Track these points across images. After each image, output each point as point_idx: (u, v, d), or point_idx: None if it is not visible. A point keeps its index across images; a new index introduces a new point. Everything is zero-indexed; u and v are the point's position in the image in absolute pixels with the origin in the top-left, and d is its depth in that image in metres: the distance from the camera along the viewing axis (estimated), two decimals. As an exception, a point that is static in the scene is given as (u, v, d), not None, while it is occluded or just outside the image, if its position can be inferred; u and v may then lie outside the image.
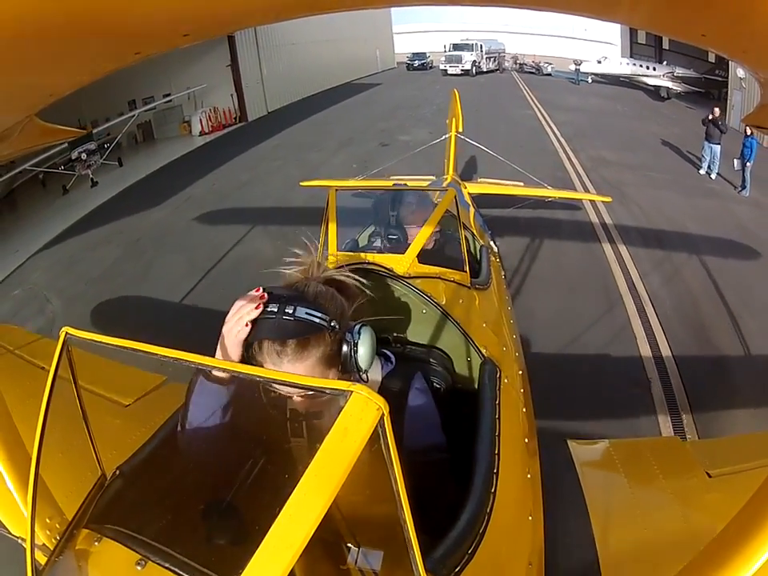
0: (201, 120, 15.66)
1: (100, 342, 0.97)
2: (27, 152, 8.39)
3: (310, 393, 1.03)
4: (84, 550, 1.04)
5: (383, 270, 1.81)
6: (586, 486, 1.77)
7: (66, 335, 1.00)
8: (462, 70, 28.31)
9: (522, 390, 1.85)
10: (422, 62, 32.02)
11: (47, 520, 1.18)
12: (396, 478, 0.74)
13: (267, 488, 1.14)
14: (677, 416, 4.14)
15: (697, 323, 5.52)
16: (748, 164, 9.96)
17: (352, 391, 0.76)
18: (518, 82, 26.47)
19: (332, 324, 1.20)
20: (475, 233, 3.19)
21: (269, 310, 1.17)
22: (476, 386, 1.69)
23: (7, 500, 1.25)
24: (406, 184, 4.19)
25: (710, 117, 11.14)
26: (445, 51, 29.88)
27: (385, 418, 0.75)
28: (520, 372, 1.96)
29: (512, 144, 11.63)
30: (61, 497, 1.25)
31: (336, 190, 2.38)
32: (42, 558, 1.06)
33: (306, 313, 1.17)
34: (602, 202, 6.73)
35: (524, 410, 1.75)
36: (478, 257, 2.77)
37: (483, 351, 1.75)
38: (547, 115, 16.65)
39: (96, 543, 1.04)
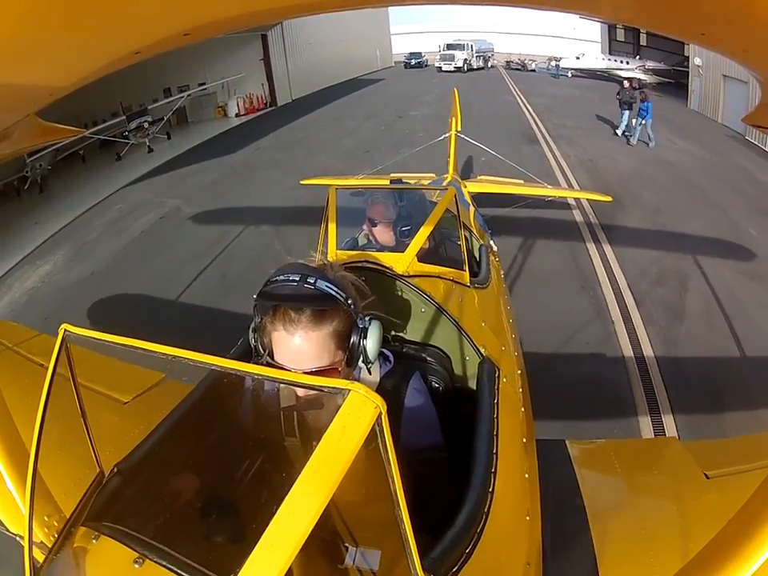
0: (238, 104, 18.51)
1: (99, 339, 0.97)
2: (27, 151, 8.45)
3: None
4: (82, 548, 1.04)
5: (383, 268, 1.81)
6: (584, 487, 1.77)
7: (64, 332, 1.00)
8: (455, 67, 31.72)
9: (520, 390, 1.84)
10: (418, 60, 35.07)
11: (45, 518, 1.18)
12: (393, 477, 0.74)
13: (265, 486, 1.14)
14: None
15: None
16: (648, 122, 13.14)
17: (350, 390, 0.76)
18: (504, 77, 29.56)
19: (349, 302, 1.23)
20: (475, 232, 3.19)
21: (290, 279, 1.19)
22: (475, 386, 1.68)
23: (5, 497, 1.25)
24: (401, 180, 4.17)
25: (622, 87, 14.37)
26: (439, 51, 33.11)
27: (382, 416, 0.74)
28: (519, 371, 1.96)
29: (496, 116, 15.79)
30: (59, 494, 1.25)
31: (336, 188, 2.38)
32: (39, 556, 1.06)
33: (327, 286, 1.20)
34: (602, 200, 6.74)
35: (522, 409, 1.75)
36: (478, 256, 2.77)
37: (482, 350, 1.75)
38: (525, 100, 20.21)
39: (94, 541, 1.04)
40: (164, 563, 0.95)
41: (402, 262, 1.89)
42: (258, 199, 9.47)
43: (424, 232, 2.08)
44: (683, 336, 5.18)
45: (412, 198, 2.64)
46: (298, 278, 1.19)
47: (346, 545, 1.03)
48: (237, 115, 18.29)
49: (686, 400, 4.23)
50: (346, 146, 13.17)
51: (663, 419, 4.04)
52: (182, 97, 15.73)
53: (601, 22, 28.02)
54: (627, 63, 26.39)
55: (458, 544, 1.05)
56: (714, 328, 5.33)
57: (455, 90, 6.69)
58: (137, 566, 0.96)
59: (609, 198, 6.47)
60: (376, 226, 2.48)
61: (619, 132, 14.21)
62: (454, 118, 6.09)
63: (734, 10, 0.64)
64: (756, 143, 13.88)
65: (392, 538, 0.78)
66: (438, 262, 2.07)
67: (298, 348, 1.18)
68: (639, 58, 26.54)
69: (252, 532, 0.75)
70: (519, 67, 35.04)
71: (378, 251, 2.13)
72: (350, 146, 13.12)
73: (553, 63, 30.86)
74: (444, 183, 4.70)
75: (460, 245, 2.21)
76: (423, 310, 1.79)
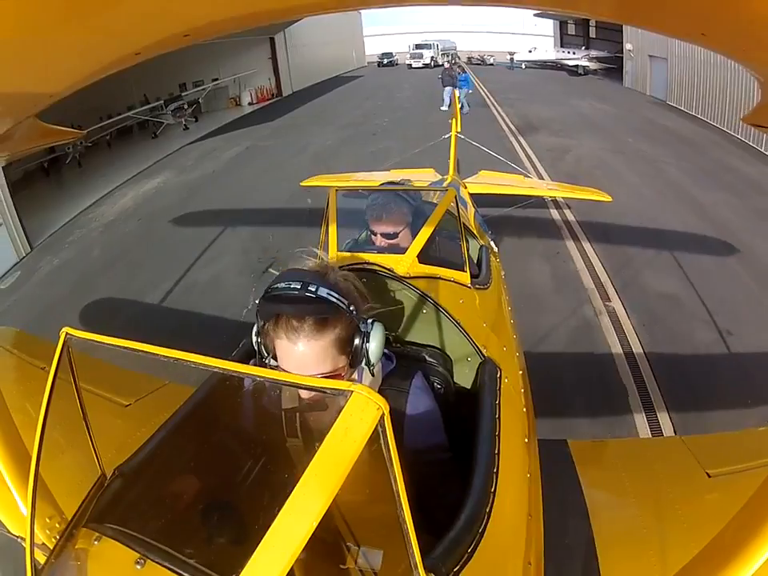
0: (251, 94, 22.27)
1: (100, 342, 0.97)
2: (28, 152, 8.50)
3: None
4: (83, 550, 1.04)
5: (384, 270, 1.81)
6: (586, 486, 1.77)
7: (65, 335, 1.00)
8: (423, 64, 36.58)
9: (522, 390, 1.84)
10: (390, 59, 40.63)
11: (47, 519, 1.18)
12: (396, 478, 0.74)
13: (267, 487, 1.14)
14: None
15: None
16: (468, 91, 16.64)
17: (352, 391, 0.76)
18: (465, 71, 33.72)
19: (350, 308, 1.22)
20: (475, 233, 3.18)
21: (291, 286, 1.18)
22: (476, 386, 1.68)
23: (7, 499, 1.25)
24: (406, 181, 4.15)
25: (444, 68, 17.86)
26: (408, 50, 38.94)
27: (385, 417, 0.75)
28: (520, 372, 1.96)
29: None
30: (60, 496, 1.25)
31: (336, 190, 2.38)
32: (41, 558, 1.06)
33: (328, 293, 1.19)
34: (602, 200, 6.76)
35: (524, 409, 1.75)
36: (479, 257, 2.77)
37: (483, 351, 1.75)
38: (482, 85, 24.74)
39: (95, 542, 1.04)
40: (166, 564, 0.95)
41: (402, 264, 1.89)
42: (313, 136, 14.04)
43: (425, 233, 2.08)
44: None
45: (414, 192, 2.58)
46: (299, 286, 1.18)
47: (348, 545, 1.03)
48: (249, 104, 21.93)
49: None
50: (357, 113, 17.83)
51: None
52: (206, 88, 18.61)
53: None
54: (574, 53, 30.65)
55: (460, 544, 1.05)
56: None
57: (455, 90, 6.71)
58: (138, 567, 0.96)
59: (609, 198, 6.48)
60: (396, 237, 2.27)
61: (444, 107, 16.83)
62: (454, 119, 6.09)
63: (734, 9, 0.64)
64: (676, 106, 17.45)
65: (394, 538, 0.78)
66: (439, 263, 2.06)
67: (301, 356, 1.18)
68: (586, 49, 30.95)
69: (254, 533, 0.75)
70: (479, 62, 40.50)
71: (378, 252, 2.13)
72: (361, 113, 17.83)
73: (508, 57, 35.44)
74: (444, 184, 4.70)
75: (460, 246, 2.21)
76: (424, 311, 1.79)
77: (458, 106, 15.34)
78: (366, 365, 1.27)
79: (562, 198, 7.82)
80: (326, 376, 1.20)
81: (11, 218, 7.99)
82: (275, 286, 1.21)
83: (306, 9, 1.14)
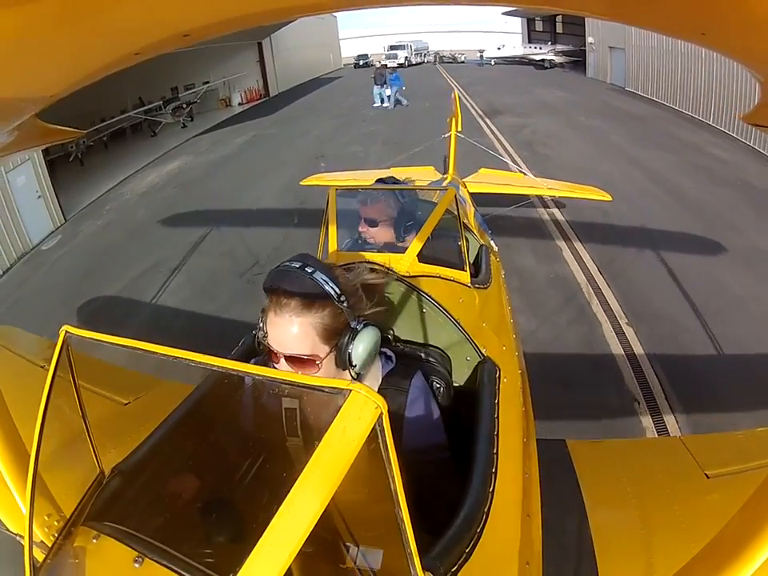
0: (241, 95, 23.60)
1: (100, 340, 0.97)
2: (28, 151, 8.59)
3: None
4: (82, 548, 1.04)
5: (383, 269, 1.81)
6: (584, 486, 1.77)
7: (65, 334, 1.00)
8: (398, 64, 37.30)
9: (521, 390, 1.84)
10: (366, 61, 42.15)
11: (45, 517, 1.18)
12: (394, 477, 0.74)
13: (266, 486, 1.14)
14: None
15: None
16: (402, 87, 18.84)
17: (351, 390, 0.76)
18: (438, 69, 36.66)
19: (341, 299, 1.24)
20: (475, 232, 3.18)
21: (292, 265, 1.23)
22: (475, 386, 1.68)
23: (6, 497, 1.25)
24: (404, 180, 4.13)
25: (375, 69, 20.41)
26: (384, 52, 41.05)
27: (383, 416, 0.75)
28: (519, 371, 1.96)
29: (434, 89, 22.06)
30: (59, 494, 1.25)
31: (336, 189, 2.38)
32: (39, 556, 1.06)
33: (323, 279, 1.22)
34: (603, 200, 6.76)
35: (523, 409, 1.75)
36: (478, 256, 2.77)
37: (483, 350, 1.75)
38: (454, 81, 26.68)
39: (94, 541, 1.04)
40: (164, 562, 0.95)
41: (402, 263, 1.89)
42: (311, 125, 15.97)
43: (424, 232, 2.08)
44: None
45: (409, 194, 2.62)
46: (298, 266, 1.23)
47: (347, 544, 1.03)
48: (239, 104, 23.08)
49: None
50: (345, 106, 19.82)
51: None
52: (200, 90, 19.66)
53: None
54: (540, 48, 31.67)
55: (458, 543, 1.05)
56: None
57: (455, 92, 6.72)
58: (137, 565, 0.96)
59: (609, 198, 6.47)
60: (376, 226, 2.38)
61: (377, 104, 18.62)
62: (453, 118, 6.07)
63: (734, 9, 0.64)
64: (633, 91, 18.80)
65: (392, 537, 0.78)
66: (439, 262, 2.06)
67: (283, 331, 1.22)
68: (552, 44, 31.96)
69: (252, 532, 0.75)
70: (450, 60, 42.16)
71: (378, 252, 2.13)
72: (348, 106, 19.80)
73: (478, 54, 36.88)
74: (444, 183, 4.70)
75: (460, 245, 2.21)
76: (424, 310, 1.79)
77: (392, 104, 18.12)
78: (348, 365, 1.26)
79: (562, 197, 7.81)
80: (303, 357, 1.22)
81: (48, 191, 9.17)
82: (281, 263, 1.26)
83: (305, 9, 1.14)
